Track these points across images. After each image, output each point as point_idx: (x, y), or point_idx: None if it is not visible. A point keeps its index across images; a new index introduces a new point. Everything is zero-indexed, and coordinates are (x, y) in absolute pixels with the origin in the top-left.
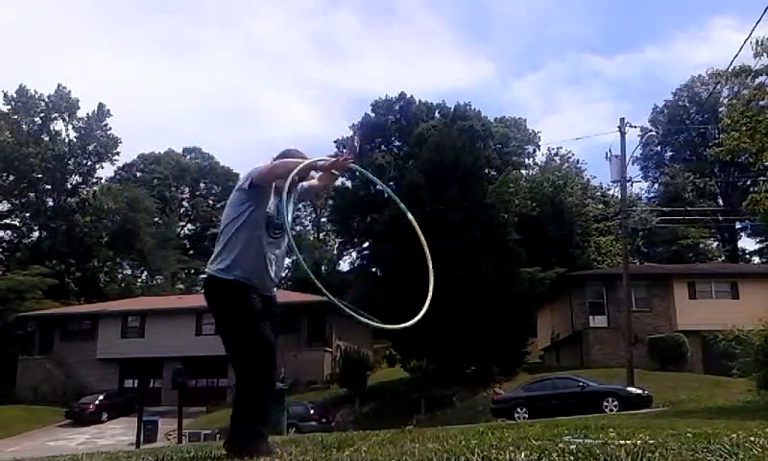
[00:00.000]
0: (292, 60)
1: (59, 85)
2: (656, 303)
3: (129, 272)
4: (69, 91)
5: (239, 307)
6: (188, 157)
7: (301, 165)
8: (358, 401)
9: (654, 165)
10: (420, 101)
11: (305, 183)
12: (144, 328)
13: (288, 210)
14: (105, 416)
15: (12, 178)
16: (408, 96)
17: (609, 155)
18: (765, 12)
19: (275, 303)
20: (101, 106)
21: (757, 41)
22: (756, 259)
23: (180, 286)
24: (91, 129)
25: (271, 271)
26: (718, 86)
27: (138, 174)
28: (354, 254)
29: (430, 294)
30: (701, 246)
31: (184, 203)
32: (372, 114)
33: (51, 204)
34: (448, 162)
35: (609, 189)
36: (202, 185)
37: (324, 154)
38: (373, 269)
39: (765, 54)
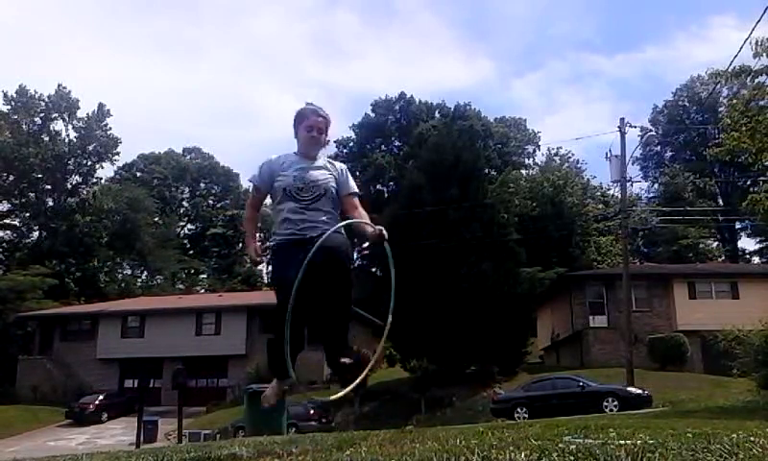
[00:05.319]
0: (292, 60)
1: (59, 85)
2: (656, 303)
3: (129, 272)
4: (69, 91)
5: None
6: (188, 157)
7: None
8: (358, 402)
9: (654, 165)
10: (420, 101)
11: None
12: (144, 328)
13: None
14: (105, 416)
15: (11, 178)
16: (408, 96)
17: (609, 155)
18: (765, 11)
19: None
20: (101, 106)
21: (757, 42)
22: (756, 259)
23: (180, 286)
24: (91, 129)
25: None
26: (718, 87)
27: (138, 174)
28: (354, 254)
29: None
30: (701, 246)
31: (184, 203)
32: (372, 114)
33: (51, 204)
34: (448, 162)
35: (609, 189)
36: (202, 185)
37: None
38: (373, 269)
39: (765, 54)
